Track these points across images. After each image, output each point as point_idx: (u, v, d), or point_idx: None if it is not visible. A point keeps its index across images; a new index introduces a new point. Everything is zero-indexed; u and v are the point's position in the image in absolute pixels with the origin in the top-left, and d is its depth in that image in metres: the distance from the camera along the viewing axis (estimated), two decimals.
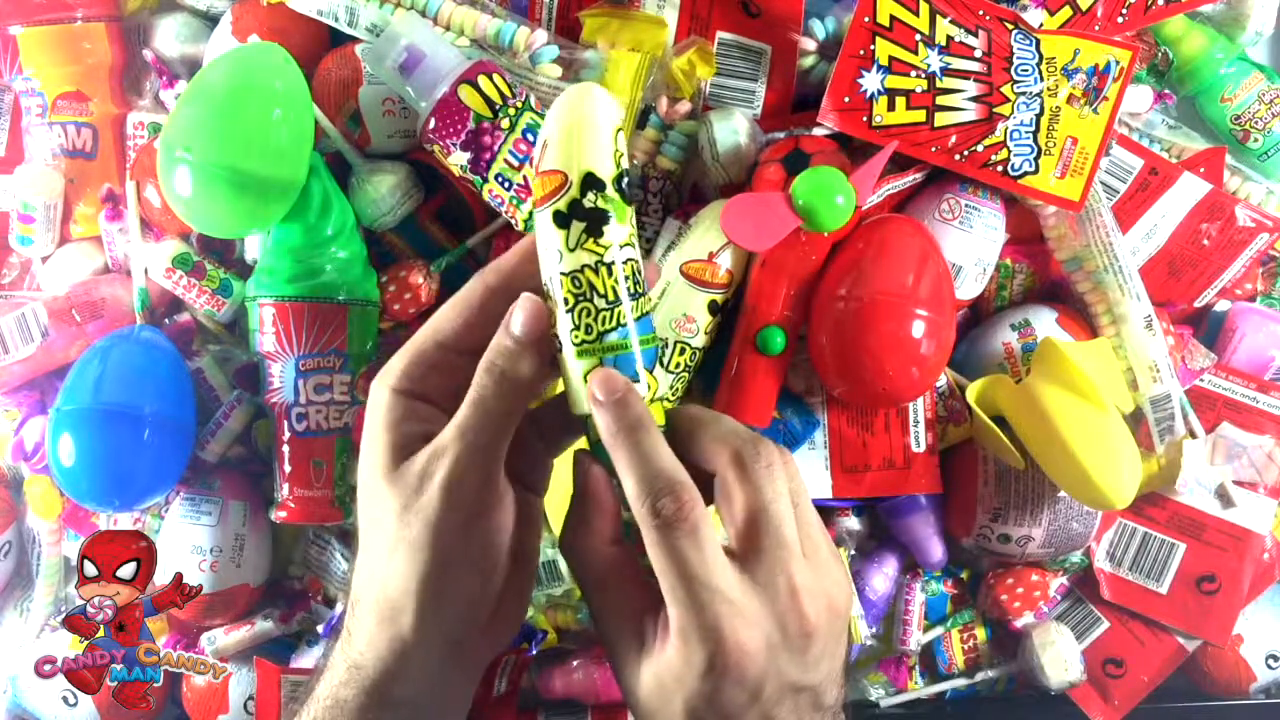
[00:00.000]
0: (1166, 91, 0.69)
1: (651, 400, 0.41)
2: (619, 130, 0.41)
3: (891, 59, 0.60)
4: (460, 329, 0.42)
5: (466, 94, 0.58)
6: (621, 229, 0.40)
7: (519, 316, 0.41)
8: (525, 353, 0.40)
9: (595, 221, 0.40)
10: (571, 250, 0.40)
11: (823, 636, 0.39)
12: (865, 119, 0.60)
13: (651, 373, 0.41)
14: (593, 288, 0.40)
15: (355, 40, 0.62)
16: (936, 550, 0.68)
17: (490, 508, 0.41)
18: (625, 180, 0.41)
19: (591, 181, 0.40)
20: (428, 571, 0.40)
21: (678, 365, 0.61)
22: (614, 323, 0.40)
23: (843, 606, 0.41)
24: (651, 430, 0.40)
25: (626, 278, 0.40)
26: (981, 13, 0.61)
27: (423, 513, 0.40)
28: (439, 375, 0.42)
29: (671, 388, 0.61)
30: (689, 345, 0.61)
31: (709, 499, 0.41)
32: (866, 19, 0.60)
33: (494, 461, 0.41)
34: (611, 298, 0.40)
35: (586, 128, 0.40)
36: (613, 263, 0.40)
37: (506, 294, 0.42)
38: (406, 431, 0.41)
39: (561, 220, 0.40)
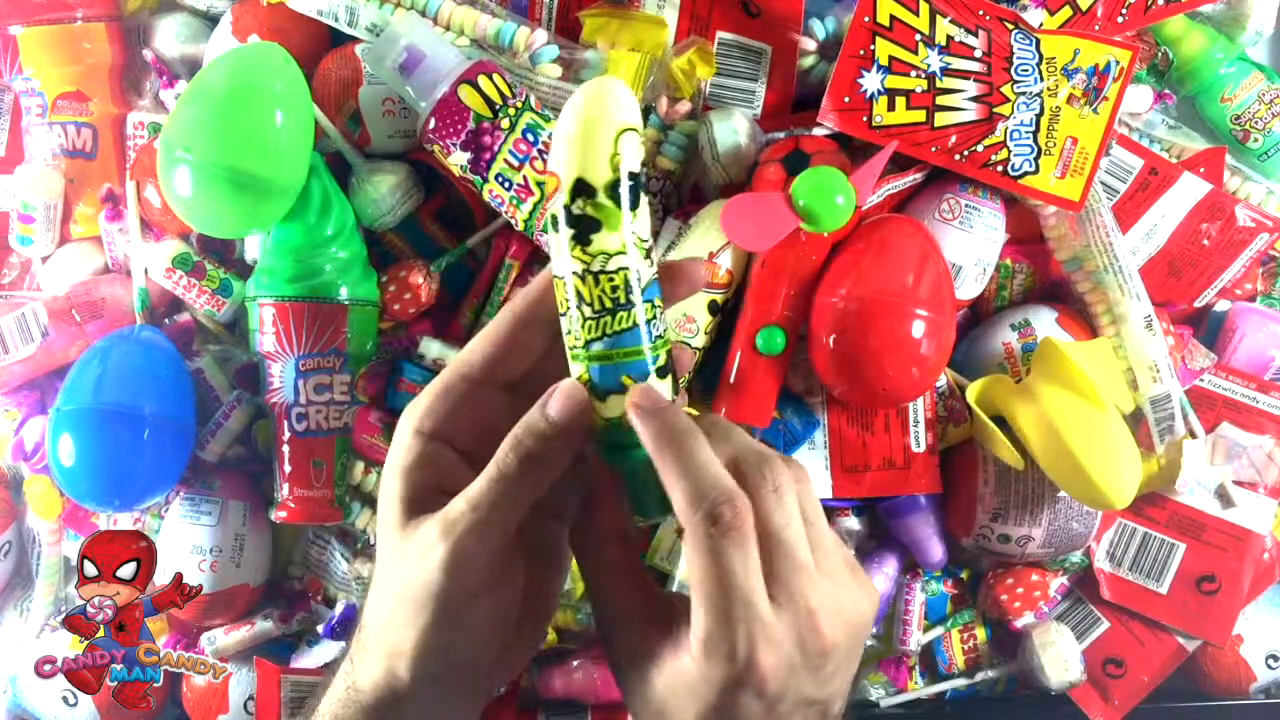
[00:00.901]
0: (1166, 91, 0.69)
1: None
2: (624, 131, 0.38)
3: (891, 59, 0.60)
4: (488, 361, 0.41)
5: (466, 94, 0.58)
6: (613, 237, 0.39)
7: (557, 400, 0.39)
8: (557, 437, 0.39)
9: (583, 229, 0.38)
10: (562, 255, 0.39)
11: (840, 654, 0.39)
12: (865, 119, 0.60)
13: (638, 383, 0.40)
14: (579, 295, 0.39)
15: (355, 40, 0.62)
16: (936, 550, 0.68)
17: (498, 580, 0.40)
18: (629, 185, 0.39)
19: (581, 188, 0.38)
20: (427, 631, 0.39)
21: None
22: (598, 332, 0.39)
23: (860, 621, 0.40)
24: (701, 438, 0.39)
25: (616, 288, 0.39)
26: (981, 13, 0.61)
27: (425, 578, 0.38)
28: (467, 409, 0.41)
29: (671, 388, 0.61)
30: (689, 345, 0.60)
31: None
32: (866, 19, 0.60)
33: (505, 535, 0.39)
34: (598, 307, 0.39)
35: (586, 130, 0.38)
36: (599, 272, 0.39)
37: (534, 324, 0.41)
38: (420, 482, 0.40)
39: (554, 224, 0.39)
